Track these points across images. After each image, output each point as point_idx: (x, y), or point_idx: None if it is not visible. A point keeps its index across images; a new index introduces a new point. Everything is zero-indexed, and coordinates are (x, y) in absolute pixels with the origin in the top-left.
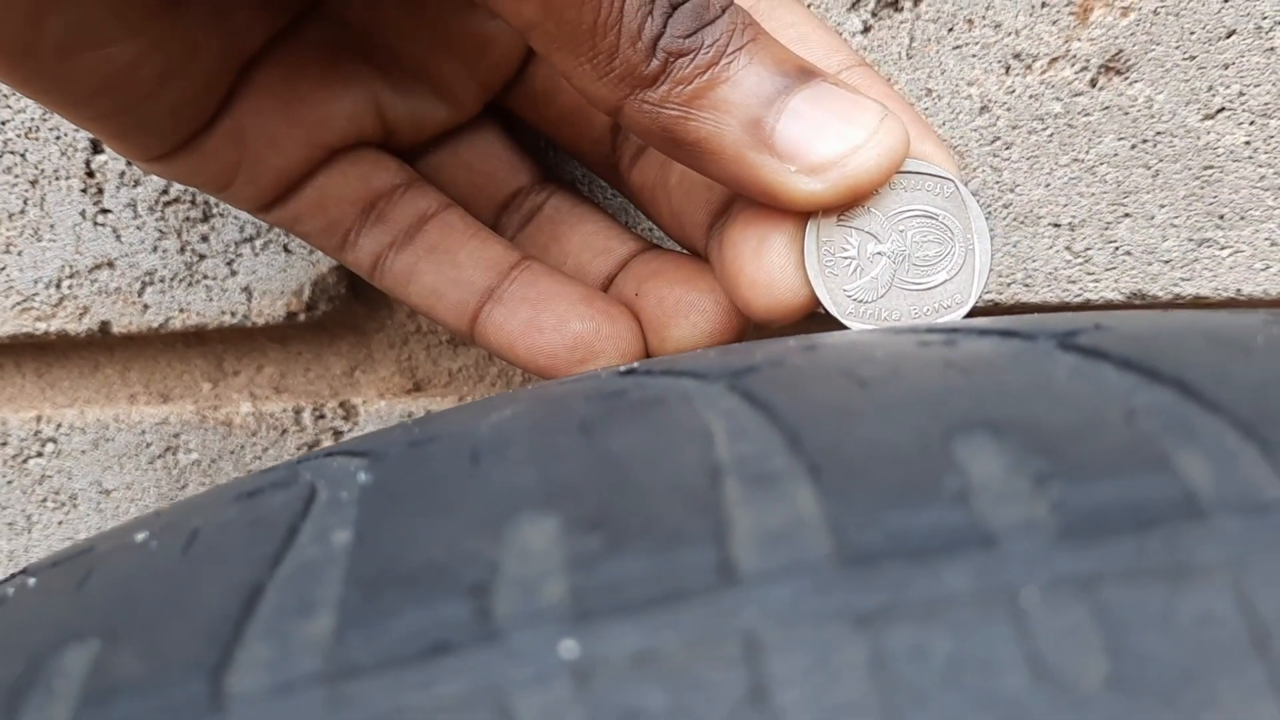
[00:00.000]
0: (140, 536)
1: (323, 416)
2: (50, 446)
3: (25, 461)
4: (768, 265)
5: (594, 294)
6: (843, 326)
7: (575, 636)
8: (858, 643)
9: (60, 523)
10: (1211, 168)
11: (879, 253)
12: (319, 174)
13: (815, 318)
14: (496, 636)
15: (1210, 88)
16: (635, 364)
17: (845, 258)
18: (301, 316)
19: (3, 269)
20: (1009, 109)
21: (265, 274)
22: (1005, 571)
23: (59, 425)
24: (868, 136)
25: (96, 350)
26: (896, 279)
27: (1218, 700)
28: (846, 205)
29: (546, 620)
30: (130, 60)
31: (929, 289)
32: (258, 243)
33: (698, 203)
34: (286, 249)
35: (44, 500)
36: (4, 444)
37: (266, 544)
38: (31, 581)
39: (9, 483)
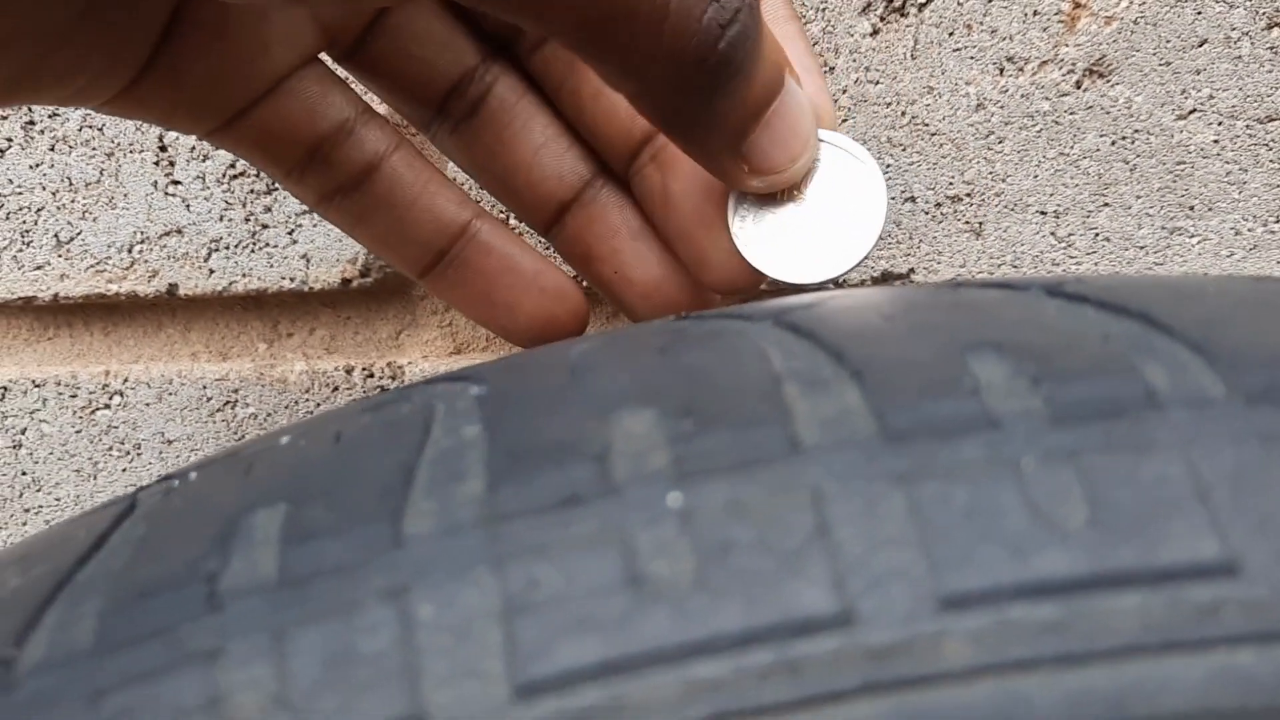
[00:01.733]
0: (285, 440)
1: (371, 375)
2: (117, 399)
3: (94, 412)
4: (725, 253)
5: (546, 270)
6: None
7: (677, 493)
8: (897, 495)
9: (124, 470)
10: (1183, 163)
11: (792, 212)
12: (261, 107)
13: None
14: (616, 491)
15: (1184, 91)
16: (685, 314)
17: (762, 220)
18: (355, 283)
19: (79, 234)
20: (1002, 107)
21: (323, 243)
22: (1008, 446)
23: (125, 379)
24: (804, 146)
25: (160, 311)
26: (806, 230)
27: (1170, 535)
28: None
29: (654, 480)
30: (55, 52)
31: (836, 235)
32: (317, 215)
33: (617, 132)
34: None
35: (110, 449)
36: (74, 396)
37: (407, 437)
38: (193, 475)
39: (78, 432)
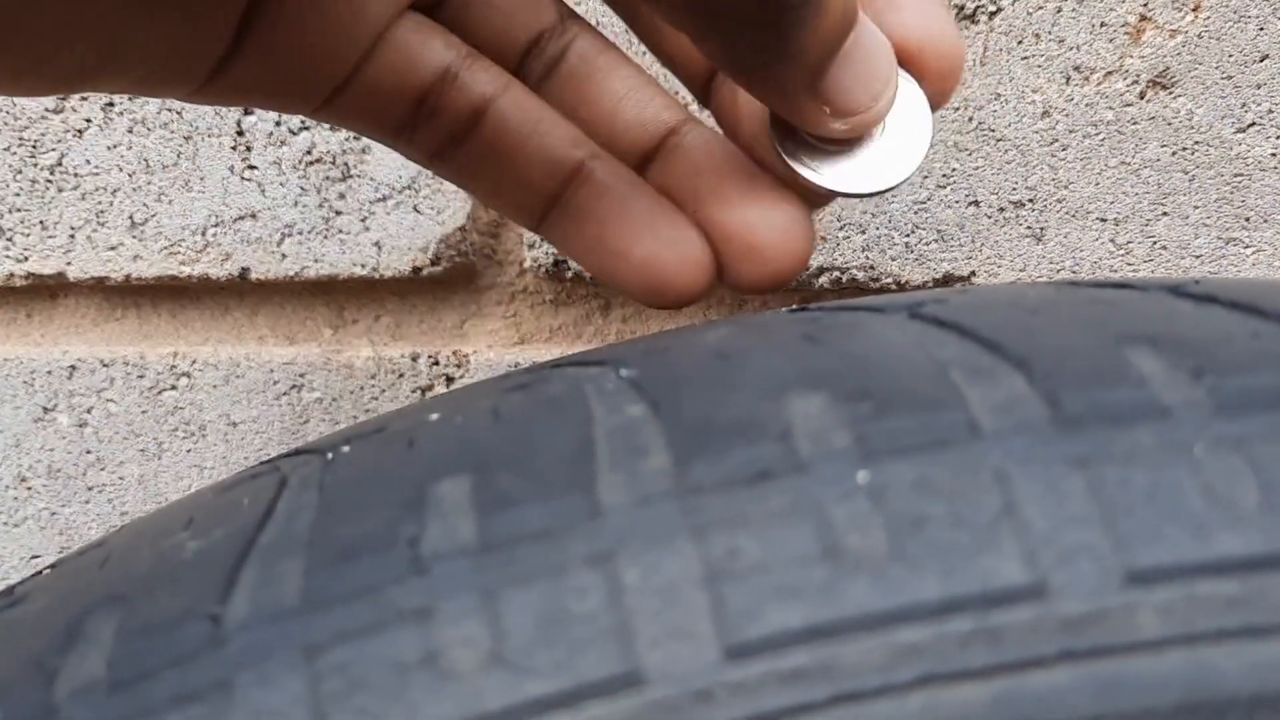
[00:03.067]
0: (434, 416)
1: (437, 363)
2: (184, 380)
3: (160, 393)
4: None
5: (663, 214)
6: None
7: (866, 471)
8: (1078, 477)
9: (189, 450)
10: (1241, 175)
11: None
12: (364, 70)
13: None
14: (806, 468)
15: (1244, 104)
16: (809, 306)
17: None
18: (425, 271)
19: (154, 216)
20: (1067, 115)
21: (395, 231)
22: (1179, 432)
23: (193, 361)
24: (885, 85)
25: (227, 295)
26: (856, 148)
27: None
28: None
29: (839, 458)
30: (134, 31)
31: (882, 153)
32: (390, 202)
33: (645, 118)
34: (416, 209)
35: (175, 429)
36: (141, 376)
37: (569, 415)
38: (345, 448)
39: (144, 412)
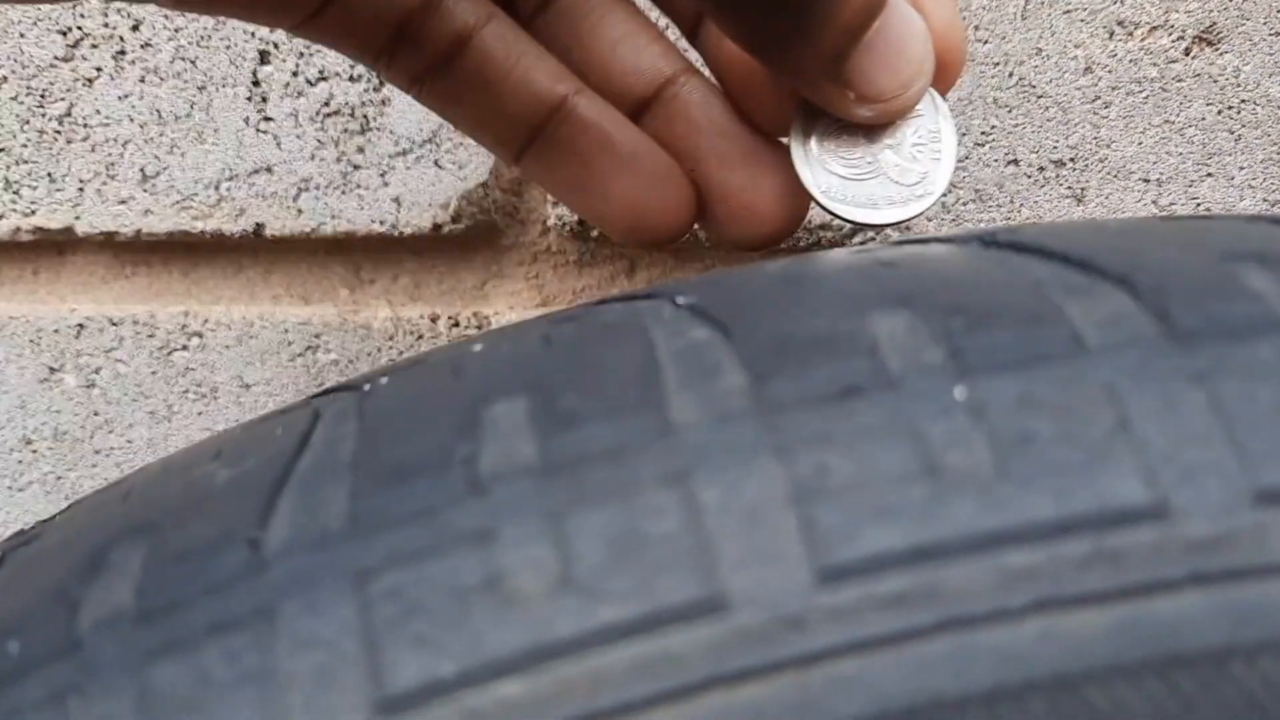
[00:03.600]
0: (478, 347)
1: (457, 324)
2: (195, 340)
3: (170, 354)
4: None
5: (646, 151)
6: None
7: (963, 387)
8: (1196, 392)
9: (200, 413)
10: None
11: (861, 145)
12: None
13: None
14: (897, 384)
15: None
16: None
17: (839, 150)
18: (445, 229)
19: (165, 169)
20: (1110, 71)
21: (416, 186)
22: None
23: (205, 321)
24: (915, 72)
25: (241, 252)
26: (881, 168)
27: None
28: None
29: (935, 373)
30: None
31: (909, 179)
32: (410, 156)
33: (643, 66)
34: (438, 164)
35: (186, 391)
36: (151, 336)
37: (627, 339)
38: (383, 380)
39: (154, 373)
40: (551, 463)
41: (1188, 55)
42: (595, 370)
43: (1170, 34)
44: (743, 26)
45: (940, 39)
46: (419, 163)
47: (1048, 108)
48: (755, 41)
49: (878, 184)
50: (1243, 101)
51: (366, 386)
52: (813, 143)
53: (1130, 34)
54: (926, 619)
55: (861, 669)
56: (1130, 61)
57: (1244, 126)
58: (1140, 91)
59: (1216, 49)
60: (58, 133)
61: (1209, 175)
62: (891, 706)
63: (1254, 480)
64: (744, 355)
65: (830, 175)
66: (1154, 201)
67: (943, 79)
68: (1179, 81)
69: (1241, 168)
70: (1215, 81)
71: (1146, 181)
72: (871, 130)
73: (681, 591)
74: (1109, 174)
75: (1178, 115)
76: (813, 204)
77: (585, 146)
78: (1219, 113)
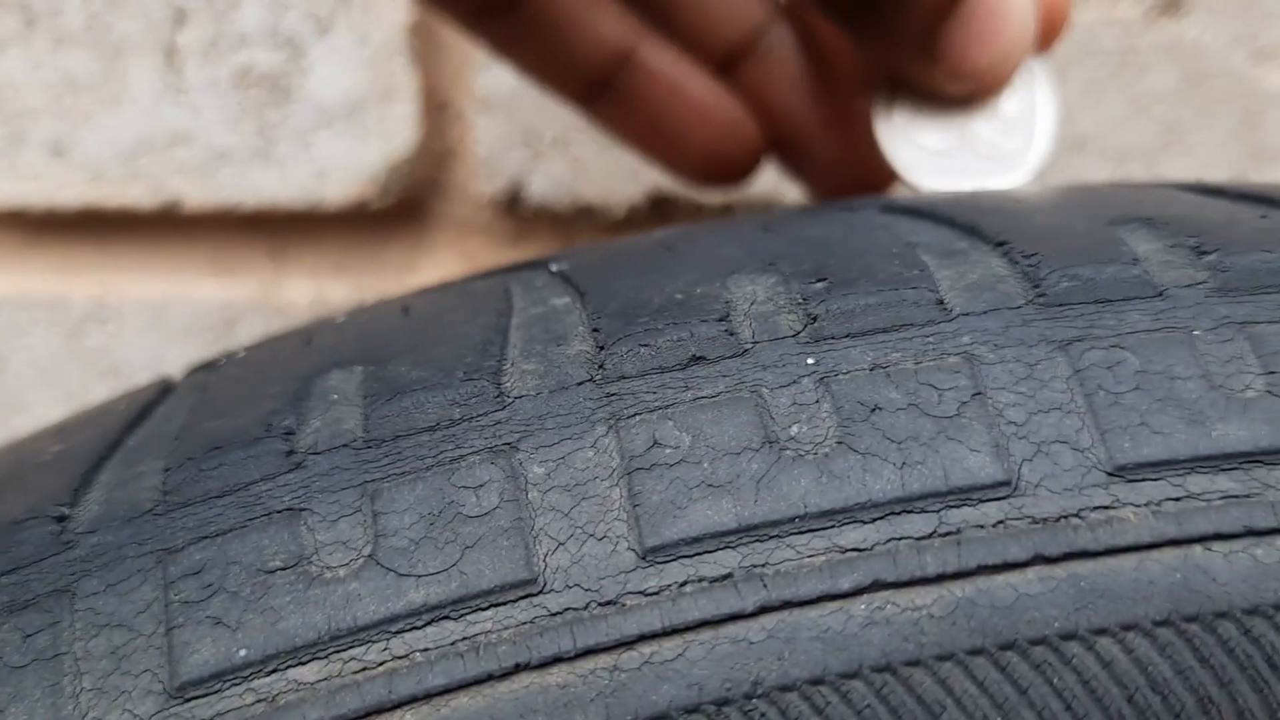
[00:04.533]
0: (341, 318)
1: None
2: (111, 318)
3: (84, 334)
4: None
5: (717, 100)
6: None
7: (815, 355)
8: (1060, 359)
9: (114, 392)
10: (1254, 109)
11: (952, 114)
12: None
13: None
14: (745, 353)
15: (1258, 33)
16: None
17: (927, 121)
18: (373, 204)
19: (78, 141)
20: (1068, 41)
21: (341, 160)
22: (1176, 314)
23: (120, 300)
24: (1011, 49)
25: (160, 227)
26: (970, 142)
27: None
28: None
29: (786, 340)
30: None
31: (1000, 153)
32: (335, 128)
33: (734, 14)
34: (363, 136)
35: (101, 373)
36: (64, 316)
37: (488, 307)
38: (241, 353)
39: (67, 354)
40: (374, 435)
41: (1150, 26)
42: (440, 340)
43: (1133, 3)
44: None
45: (1048, 4)
46: (344, 134)
47: None
48: (841, 9)
49: (966, 157)
50: (1206, 75)
51: (222, 360)
52: (897, 113)
53: (1089, 2)
54: (750, 601)
55: (678, 654)
56: (1089, 31)
57: (1207, 100)
58: (1100, 63)
59: (1179, 19)
60: None
61: (1171, 149)
62: (707, 694)
63: (1111, 456)
64: (595, 321)
65: (914, 148)
66: (1114, 176)
67: (1044, 39)
68: (1140, 53)
69: (1204, 142)
70: (1178, 53)
71: (1106, 155)
72: (963, 102)
73: (495, 573)
74: (1067, 147)
75: (1139, 88)
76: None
77: (656, 96)
78: (1181, 85)
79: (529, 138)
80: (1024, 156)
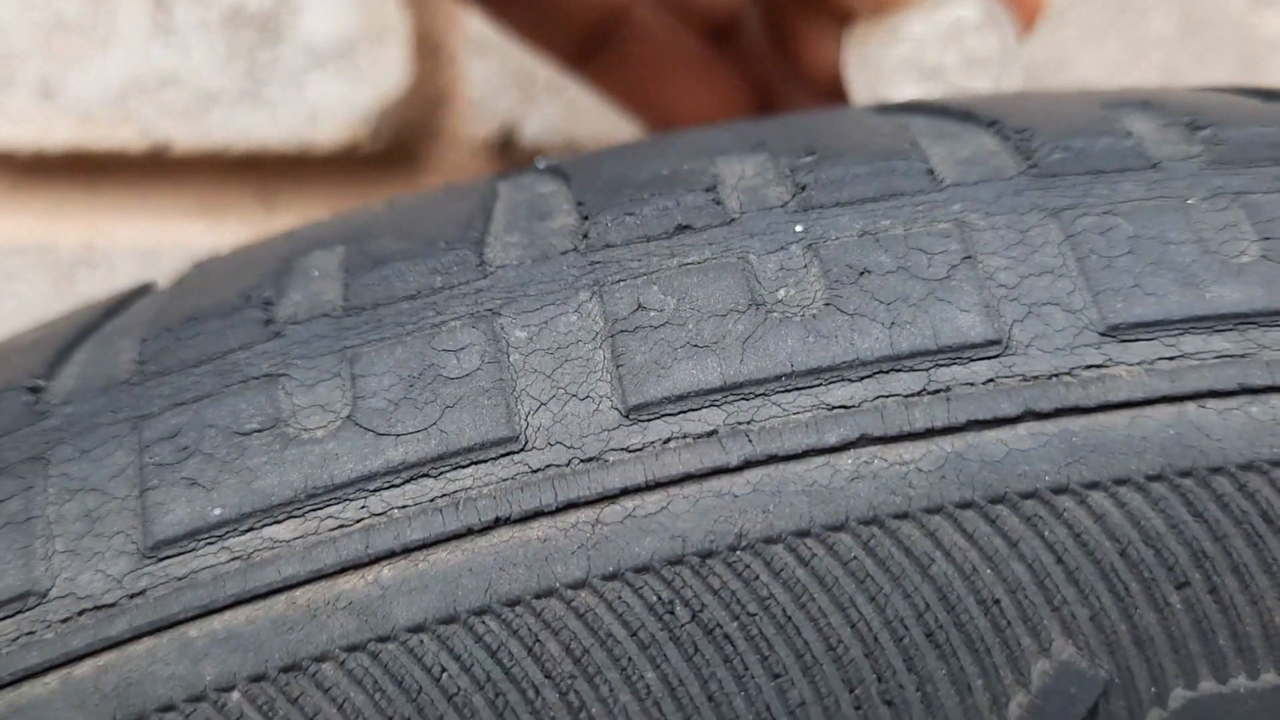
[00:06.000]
0: (325, 217)
1: None
2: (101, 263)
3: (74, 279)
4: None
5: (707, 60)
6: None
7: (803, 223)
8: (1052, 226)
9: None
10: (1254, 55)
11: (914, 60)
12: None
13: None
14: (732, 221)
15: None
16: None
17: (886, 66)
18: (364, 147)
19: (66, 83)
20: None
21: (333, 103)
22: (1170, 184)
23: (110, 242)
24: None
25: (150, 169)
26: (928, 78)
27: None
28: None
29: (774, 210)
30: None
31: (957, 85)
32: (327, 70)
33: None
34: (355, 77)
35: None
36: (53, 260)
37: (473, 195)
38: (224, 252)
39: (57, 299)
40: (354, 304)
41: None
42: (424, 221)
43: None
44: None
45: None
46: (334, 75)
47: None
48: None
49: (934, 91)
50: (1206, 20)
51: (207, 258)
52: (867, 70)
53: None
54: (735, 456)
55: (660, 508)
56: None
57: (1207, 46)
58: (1098, 7)
59: None
60: None
61: None
62: (690, 546)
63: (1104, 316)
64: (580, 198)
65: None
66: None
67: (1023, 24)
68: None
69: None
70: None
71: None
72: (922, 50)
73: (475, 431)
74: None
75: (1137, 32)
76: None
77: (650, 57)
78: (1181, 31)
79: (521, 80)
80: (991, 82)
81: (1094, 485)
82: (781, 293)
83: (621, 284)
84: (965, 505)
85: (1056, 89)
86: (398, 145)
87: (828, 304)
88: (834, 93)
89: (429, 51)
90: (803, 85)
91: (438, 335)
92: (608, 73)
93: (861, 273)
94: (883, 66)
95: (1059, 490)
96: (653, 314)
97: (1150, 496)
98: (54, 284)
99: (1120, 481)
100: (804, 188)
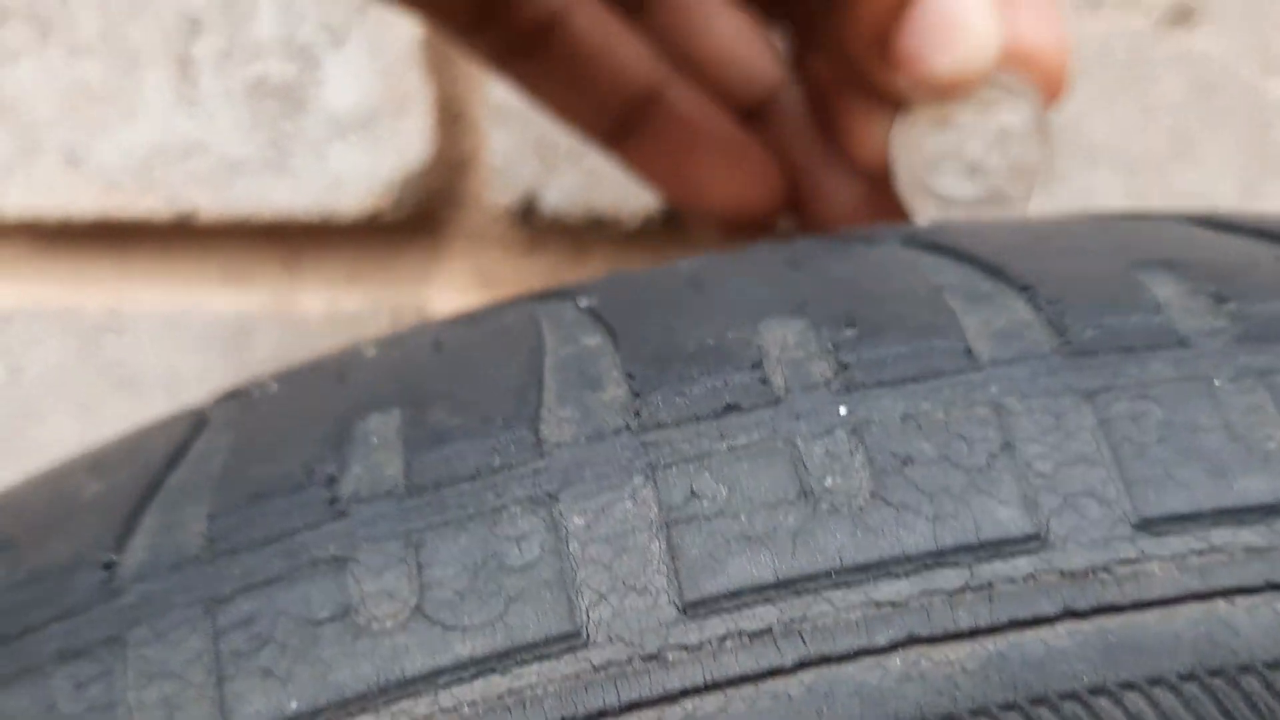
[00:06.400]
0: (372, 351)
1: (398, 313)
2: (124, 330)
3: (98, 344)
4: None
5: (740, 143)
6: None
7: (847, 404)
8: (1086, 410)
9: (129, 405)
10: (1264, 120)
11: (965, 157)
12: None
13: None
14: (779, 401)
15: (1268, 44)
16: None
17: (931, 157)
18: (387, 215)
19: (92, 150)
20: (1080, 50)
21: (355, 171)
22: (1199, 363)
23: (133, 309)
24: (972, 52)
25: (175, 237)
26: (977, 184)
27: None
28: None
29: (819, 389)
30: None
31: (1002, 198)
32: (349, 138)
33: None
34: (377, 146)
35: (114, 382)
36: (78, 325)
37: (519, 345)
38: (273, 386)
39: (81, 363)
40: (416, 483)
41: (1161, 35)
42: (477, 380)
43: (1143, 12)
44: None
45: (1025, 35)
46: (357, 144)
47: None
48: (792, 19)
49: (975, 201)
50: (1217, 84)
51: (254, 393)
52: (911, 158)
53: (1098, 9)
54: (790, 657)
55: (720, 709)
56: (1101, 41)
57: (1218, 110)
58: (1112, 72)
59: (1191, 29)
60: None
61: (1182, 159)
62: None
63: (1137, 508)
64: (628, 365)
65: (928, 192)
66: (1125, 185)
67: (1043, 85)
68: (1152, 62)
69: (1215, 152)
70: (1189, 63)
71: (1117, 164)
72: (970, 145)
73: (540, 625)
74: (1080, 157)
75: (1150, 97)
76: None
77: (681, 137)
78: (1192, 95)
79: (543, 149)
80: (1017, 191)
81: (1130, 686)
82: (829, 480)
83: (674, 469)
84: (1008, 707)
85: (1078, 228)
86: (420, 212)
87: (874, 494)
88: (876, 175)
89: (451, 119)
90: (843, 166)
91: (499, 521)
92: (638, 151)
93: (905, 461)
94: (928, 153)
95: (1096, 691)
96: (705, 503)
97: (1183, 696)
98: (78, 349)
99: (1154, 681)
100: (846, 366)
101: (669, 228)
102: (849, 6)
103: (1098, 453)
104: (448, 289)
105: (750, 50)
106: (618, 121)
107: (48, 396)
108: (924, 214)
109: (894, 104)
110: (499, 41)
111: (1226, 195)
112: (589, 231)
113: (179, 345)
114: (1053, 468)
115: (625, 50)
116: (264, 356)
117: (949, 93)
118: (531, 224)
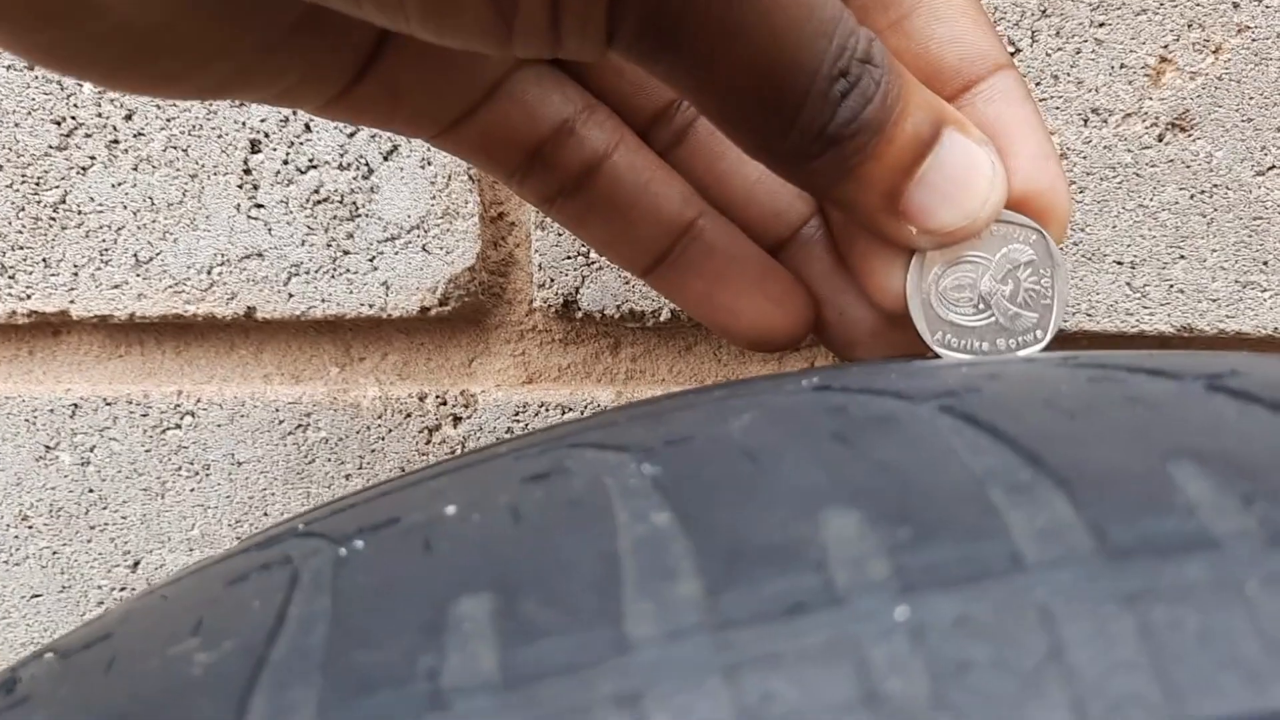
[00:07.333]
0: (451, 510)
1: (444, 403)
2: (189, 419)
3: (164, 432)
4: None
5: (771, 274)
6: (930, 352)
7: (905, 605)
8: (1127, 616)
9: (193, 490)
10: (1260, 219)
11: (978, 289)
12: (480, 111)
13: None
14: (842, 602)
15: (1264, 147)
16: (824, 378)
17: (946, 290)
18: (433, 311)
19: (158, 254)
20: (1084, 157)
21: (404, 271)
22: (1231, 567)
23: (198, 400)
24: (979, 205)
25: (233, 333)
26: (991, 314)
27: None
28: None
29: (878, 590)
30: (268, 58)
31: (1018, 325)
32: (399, 242)
33: (780, 209)
34: (425, 249)
35: (179, 469)
36: (145, 415)
37: (592, 519)
38: (359, 544)
39: (147, 451)
40: (511, 678)
41: (1161, 141)
42: (559, 563)
43: (1144, 121)
44: (795, 170)
45: (1026, 180)
46: (407, 248)
47: None
48: (809, 182)
49: (990, 328)
50: (1215, 186)
51: (342, 550)
52: (926, 292)
53: (1105, 121)
54: None
55: None
56: (1105, 148)
57: (1216, 210)
58: (1114, 177)
59: (1190, 135)
60: (52, 219)
61: (1181, 257)
62: None
63: (1177, 713)
64: (700, 558)
65: (944, 323)
66: (1128, 283)
67: (1046, 222)
68: (1152, 167)
69: (1213, 250)
70: (1188, 167)
71: (1120, 264)
72: (983, 278)
73: None
74: (1084, 257)
75: (1151, 200)
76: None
77: (714, 267)
78: (1191, 197)
79: (583, 249)
80: (1039, 329)
81: None
82: (890, 685)
83: (749, 669)
84: None
85: (1106, 408)
86: (466, 308)
87: (933, 700)
88: (894, 312)
89: (494, 220)
90: (863, 297)
91: (590, 719)
92: (674, 279)
93: (961, 667)
94: (942, 287)
95: None
96: (777, 706)
97: None
98: (144, 437)
99: None
100: (902, 568)
101: (694, 321)
102: (859, 169)
103: (1138, 659)
104: (492, 379)
105: (777, 185)
106: (659, 254)
107: (116, 481)
108: (940, 343)
109: (909, 251)
110: (546, 184)
111: (1223, 289)
112: (623, 322)
113: (239, 433)
114: (1099, 674)
115: (663, 188)
116: (318, 443)
117: (958, 240)
118: (570, 320)
